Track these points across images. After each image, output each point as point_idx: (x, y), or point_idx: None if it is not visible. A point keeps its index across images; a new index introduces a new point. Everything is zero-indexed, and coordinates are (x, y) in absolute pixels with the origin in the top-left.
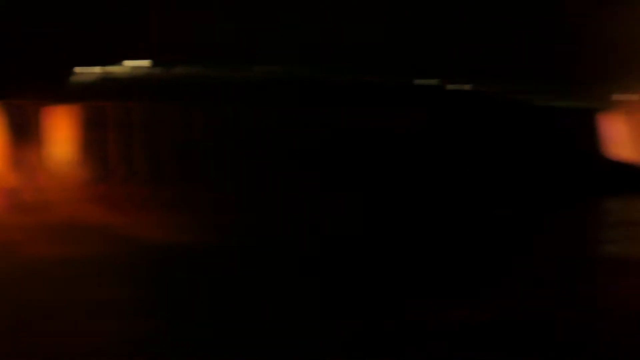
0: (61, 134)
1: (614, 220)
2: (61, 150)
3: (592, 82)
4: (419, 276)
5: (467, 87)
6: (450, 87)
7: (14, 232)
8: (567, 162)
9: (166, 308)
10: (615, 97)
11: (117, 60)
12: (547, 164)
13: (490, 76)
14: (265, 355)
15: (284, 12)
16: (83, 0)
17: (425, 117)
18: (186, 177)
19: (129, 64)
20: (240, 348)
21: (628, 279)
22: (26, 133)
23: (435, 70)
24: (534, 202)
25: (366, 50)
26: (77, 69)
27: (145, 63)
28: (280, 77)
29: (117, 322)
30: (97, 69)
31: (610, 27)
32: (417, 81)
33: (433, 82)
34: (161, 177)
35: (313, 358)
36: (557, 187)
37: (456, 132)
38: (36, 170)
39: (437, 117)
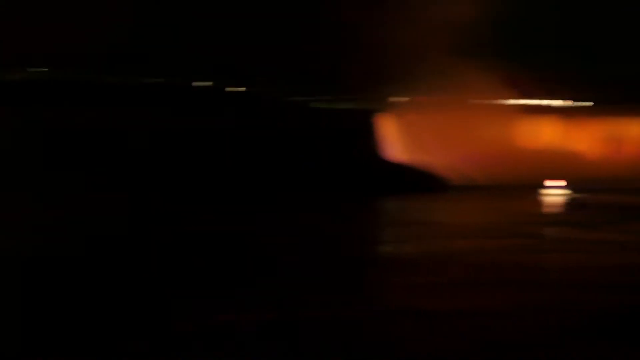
0: None
1: (390, 220)
2: None
3: (369, 85)
4: (183, 279)
5: (246, 89)
6: (229, 89)
7: None
8: (346, 162)
9: None
10: (391, 98)
11: None
12: (326, 164)
13: (269, 79)
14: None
15: (54, 16)
16: None
17: (204, 118)
18: None
19: None
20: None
21: (403, 277)
22: None
23: (216, 73)
24: (313, 202)
25: (145, 52)
26: None
27: None
28: (49, 79)
29: None
30: None
31: (386, 33)
32: (196, 83)
33: (211, 84)
34: None
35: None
36: (336, 187)
37: (234, 133)
38: None
39: (214, 118)
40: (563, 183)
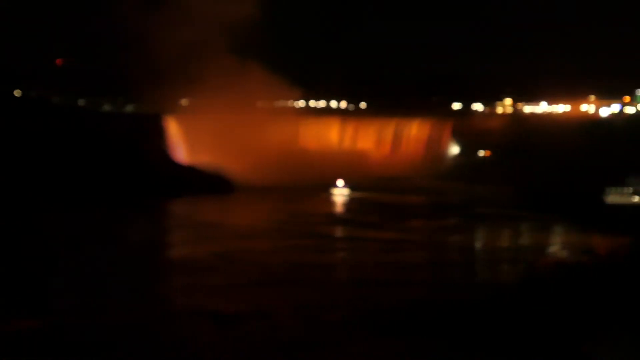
0: None
1: (179, 222)
2: None
3: (155, 88)
4: None
5: (36, 94)
6: (16, 94)
7: None
8: (134, 165)
9: None
10: (177, 101)
11: None
12: (114, 167)
13: (51, 84)
14: None
15: None
16: None
17: None
18: None
19: None
20: None
21: (194, 279)
22: None
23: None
24: (102, 205)
25: None
26: None
27: None
28: None
29: None
30: None
31: (168, 38)
32: None
33: None
34: None
35: None
36: (125, 190)
37: (15, 139)
38: None
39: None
40: (346, 183)
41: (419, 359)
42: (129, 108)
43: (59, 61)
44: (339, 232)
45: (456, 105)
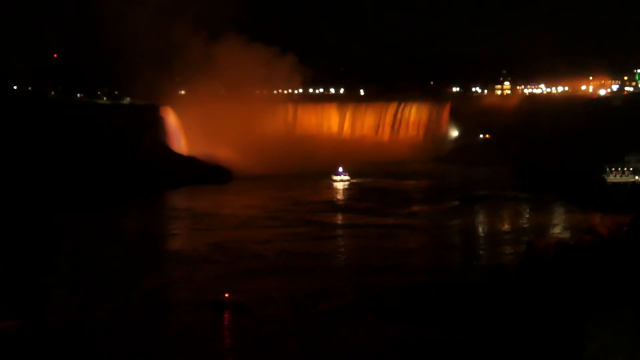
0: None
1: (178, 213)
2: None
3: (151, 78)
4: None
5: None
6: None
7: None
8: (130, 157)
9: None
10: (175, 92)
11: None
12: (110, 160)
13: (47, 78)
14: None
15: None
16: None
17: None
18: None
19: None
20: None
21: (195, 270)
22: None
23: None
24: (99, 197)
25: None
26: None
27: None
28: None
29: None
30: None
31: (156, 31)
32: None
33: None
34: None
35: None
36: (121, 182)
37: (17, 130)
38: None
39: None
40: (346, 169)
41: (417, 345)
42: (126, 100)
43: (55, 55)
44: (337, 219)
45: (455, 88)
